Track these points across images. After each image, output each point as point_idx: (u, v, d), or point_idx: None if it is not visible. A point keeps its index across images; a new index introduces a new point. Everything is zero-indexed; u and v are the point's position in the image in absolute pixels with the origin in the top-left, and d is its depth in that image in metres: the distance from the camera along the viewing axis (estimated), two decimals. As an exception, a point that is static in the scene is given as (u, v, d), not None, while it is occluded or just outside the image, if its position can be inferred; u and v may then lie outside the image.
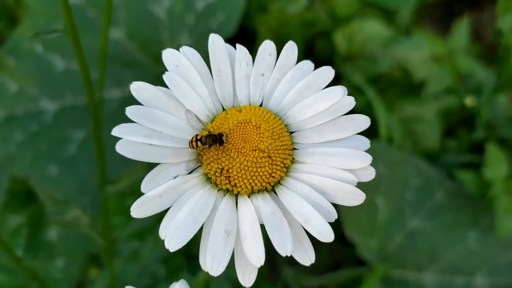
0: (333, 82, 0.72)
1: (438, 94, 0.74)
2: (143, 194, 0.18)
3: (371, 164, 0.16)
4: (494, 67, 0.87)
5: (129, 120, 0.17)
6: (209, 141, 0.16)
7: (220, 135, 0.16)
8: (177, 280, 0.47)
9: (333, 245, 0.79)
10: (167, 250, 0.52)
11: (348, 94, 0.65)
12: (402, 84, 0.74)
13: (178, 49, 0.18)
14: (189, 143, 0.17)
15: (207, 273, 0.16)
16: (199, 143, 0.16)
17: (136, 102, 0.21)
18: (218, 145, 0.16)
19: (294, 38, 0.71)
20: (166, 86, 0.18)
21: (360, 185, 0.56)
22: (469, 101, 0.70)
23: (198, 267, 0.60)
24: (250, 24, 0.73)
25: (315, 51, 0.80)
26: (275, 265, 0.79)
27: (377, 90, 0.69)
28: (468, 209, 0.64)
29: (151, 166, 0.30)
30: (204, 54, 0.63)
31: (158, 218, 0.55)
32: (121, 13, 0.64)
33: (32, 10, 0.65)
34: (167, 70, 0.17)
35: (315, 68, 0.19)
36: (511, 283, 0.62)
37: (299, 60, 0.24)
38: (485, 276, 0.62)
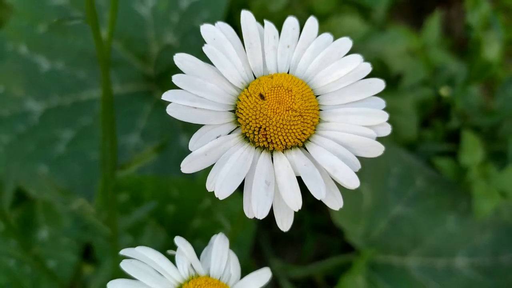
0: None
1: (414, 86, 0.77)
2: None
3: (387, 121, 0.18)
4: (465, 60, 0.91)
5: (175, 87, 0.19)
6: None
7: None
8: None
9: (318, 236, 0.81)
10: (163, 243, 0.53)
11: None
12: (379, 77, 0.77)
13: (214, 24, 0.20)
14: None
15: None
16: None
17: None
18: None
19: (276, 35, 0.73)
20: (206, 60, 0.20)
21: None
22: (444, 91, 0.73)
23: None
24: (232, 22, 0.74)
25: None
26: (263, 258, 0.80)
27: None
28: (447, 194, 0.67)
29: (157, 151, 0.32)
30: (190, 51, 0.65)
31: (152, 213, 0.56)
32: (106, 13, 0.65)
33: (16, 12, 0.65)
34: (205, 43, 0.19)
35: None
36: (489, 262, 0.65)
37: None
38: (465, 256, 0.65)
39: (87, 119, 0.64)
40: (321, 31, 0.76)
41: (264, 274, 0.22)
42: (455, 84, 0.79)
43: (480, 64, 0.86)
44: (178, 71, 0.70)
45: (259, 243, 0.79)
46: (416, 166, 0.68)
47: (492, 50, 0.90)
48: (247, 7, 0.75)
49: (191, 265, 0.20)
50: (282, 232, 0.72)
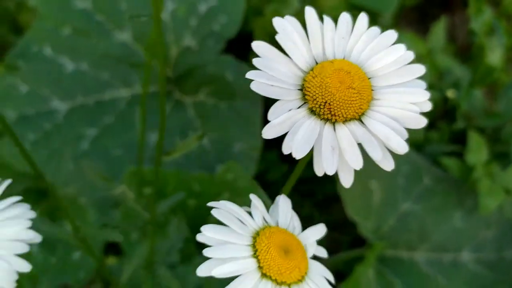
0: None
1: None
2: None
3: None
4: (469, 64, 0.94)
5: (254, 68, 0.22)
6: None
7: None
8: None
9: (328, 233, 0.84)
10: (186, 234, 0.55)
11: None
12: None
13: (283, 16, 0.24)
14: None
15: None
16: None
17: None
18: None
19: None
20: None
21: (358, 171, 0.61)
22: (450, 93, 0.76)
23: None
24: (246, 27, 0.77)
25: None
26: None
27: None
28: (453, 192, 0.70)
29: (198, 139, 0.34)
30: (208, 53, 0.67)
31: (175, 207, 0.58)
32: (127, 17, 0.68)
33: (40, 14, 0.68)
34: (277, 33, 0.22)
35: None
36: (493, 257, 0.68)
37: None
38: (471, 252, 0.68)
39: (109, 118, 0.67)
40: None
41: (321, 228, 0.25)
42: (460, 87, 0.82)
43: (483, 69, 0.89)
44: (197, 72, 0.73)
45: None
46: (424, 165, 0.71)
47: (495, 56, 0.94)
48: (261, 13, 0.78)
49: (263, 217, 0.24)
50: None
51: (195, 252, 0.63)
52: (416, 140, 0.79)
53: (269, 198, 0.68)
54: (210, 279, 0.26)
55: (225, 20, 0.66)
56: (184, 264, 0.58)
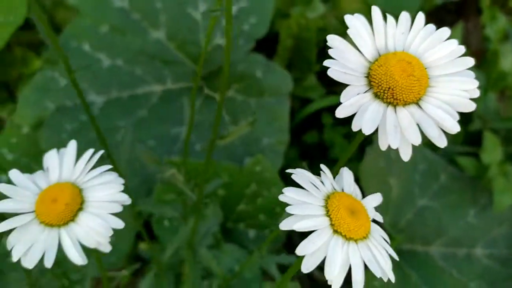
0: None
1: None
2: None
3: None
4: (483, 69, 0.97)
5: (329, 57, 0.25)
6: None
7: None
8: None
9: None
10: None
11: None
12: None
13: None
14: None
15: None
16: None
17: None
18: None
19: (313, 41, 0.80)
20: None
21: (378, 169, 0.65)
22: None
23: (231, 238, 0.68)
24: (272, 28, 0.81)
25: (326, 54, 0.89)
26: (292, 247, 0.86)
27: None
28: (468, 190, 0.73)
29: (250, 125, 0.38)
30: (238, 51, 0.71)
31: (206, 196, 0.61)
32: (162, 16, 0.71)
33: (79, 12, 0.72)
34: (348, 28, 0.26)
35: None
36: (506, 253, 0.71)
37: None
38: (484, 247, 0.71)
39: (142, 111, 0.70)
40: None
41: (378, 197, 0.28)
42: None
43: (496, 74, 0.93)
44: (224, 70, 0.75)
45: (291, 235, 0.85)
46: (440, 163, 0.74)
47: (508, 61, 0.97)
48: (286, 15, 0.82)
49: (332, 184, 0.27)
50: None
51: (222, 239, 0.67)
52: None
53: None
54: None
55: (255, 21, 0.70)
56: (214, 249, 0.62)
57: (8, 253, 0.31)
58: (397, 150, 0.73)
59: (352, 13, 0.83)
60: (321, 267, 0.82)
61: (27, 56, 0.77)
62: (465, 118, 0.88)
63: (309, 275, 0.84)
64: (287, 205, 0.59)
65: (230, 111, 0.69)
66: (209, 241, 0.48)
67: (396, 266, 0.70)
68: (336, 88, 0.93)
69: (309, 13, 0.78)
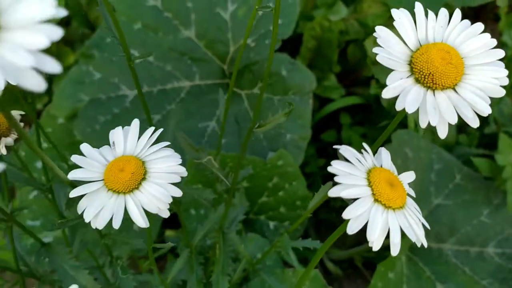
0: (366, 82, 0.83)
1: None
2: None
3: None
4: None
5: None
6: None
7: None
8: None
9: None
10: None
11: (378, 93, 0.77)
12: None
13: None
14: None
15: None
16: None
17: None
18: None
19: (335, 42, 0.83)
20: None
21: (395, 167, 0.66)
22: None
23: (252, 229, 0.70)
24: (296, 30, 0.84)
25: (347, 55, 0.92)
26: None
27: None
28: (482, 190, 0.75)
29: (286, 115, 0.41)
30: (263, 50, 0.74)
31: (228, 189, 0.64)
32: (193, 15, 0.75)
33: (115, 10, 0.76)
34: (394, 20, 0.29)
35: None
36: (518, 252, 0.73)
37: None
38: (496, 246, 0.73)
39: (171, 105, 0.74)
40: (373, 41, 0.85)
41: (412, 174, 0.32)
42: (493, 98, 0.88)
43: (513, 79, 0.94)
44: (254, 67, 0.79)
45: (307, 228, 0.88)
46: (456, 164, 0.76)
47: (524, 68, 0.99)
48: (310, 18, 0.85)
49: (372, 161, 0.30)
50: (325, 219, 0.82)
51: (244, 229, 0.70)
52: (448, 141, 0.84)
53: (308, 187, 0.74)
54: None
55: (281, 21, 0.73)
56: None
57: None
58: (413, 150, 0.76)
59: (373, 16, 0.86)
60: (335, 261, 0.85)
61: (63, 51, 0.81)
62: (481, 122, 0.91)
63: (324, 268, 0.87)
64: (306, 200, 0.63)
65: (254, 107, 0.72)
66: (237, 227, 0.51)
67: (410, 260, 0.72)
68: (355, 89, 0.96)
69: (332, 15, 0.81)
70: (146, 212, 0.30)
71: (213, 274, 0.45)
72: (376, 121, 0.88)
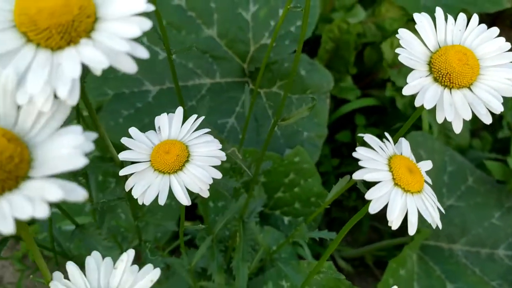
0: (381, 84, 0.85)
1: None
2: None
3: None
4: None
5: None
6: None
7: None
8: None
9: (369, 221, 0.92)
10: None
11: (393, 96, 0.79)
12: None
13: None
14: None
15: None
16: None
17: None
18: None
19: (352, 44, 0.85)
20: None
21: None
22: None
23: (267, 223, 0.72)
24: (314, 32, 0.86)
25: (363, 57, 0.93)
26: (321, 238, 0.91)
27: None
28: (494, 193, 0.76)
29: (309, 110, 0.43)
30: (283, 50, 0.76)
31: (247, 181, 0.67)
32: (215, 15, 0.77)
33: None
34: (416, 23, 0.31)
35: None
36: (528, 255, 0.74)
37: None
38: (507, 249, 0.74)
39: (192, 102, 0.76)
40: (389, 44, 0.86)
41: (429, 163, 0.34)
42: (506, 100, 0.89)
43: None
44: (274, 67, 0.82)
45: (319, 226, 0.90)
46: (469, 167, 0.78)
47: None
48: (328, 20, 0.87)
49: (393, 149, 0.32)
50: (338, 217, 0.83)
51: (259, 223, 0.72)
52: (460, 145, 0.86)
53: (323, 185, 0.75)
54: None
55: (301, 23, 0.75)
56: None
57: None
58: (427, 151, 0.78)
59: (390, 20, 0.88)
60: (346, 259, 0.87)
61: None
62: (494, 127, 0.92)
63: (336, 265, 0.89)
64: (321, 196, 0.65)
65: (274, 106, 0.74)
66: (256, 218, 0.53)
67: (421, 259, 0.74)
68: (370, 91, 0.98)
69: (350, 18, 0.83)
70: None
71: (234, 260, 0.47)
72: (390, 123, 0.90)
